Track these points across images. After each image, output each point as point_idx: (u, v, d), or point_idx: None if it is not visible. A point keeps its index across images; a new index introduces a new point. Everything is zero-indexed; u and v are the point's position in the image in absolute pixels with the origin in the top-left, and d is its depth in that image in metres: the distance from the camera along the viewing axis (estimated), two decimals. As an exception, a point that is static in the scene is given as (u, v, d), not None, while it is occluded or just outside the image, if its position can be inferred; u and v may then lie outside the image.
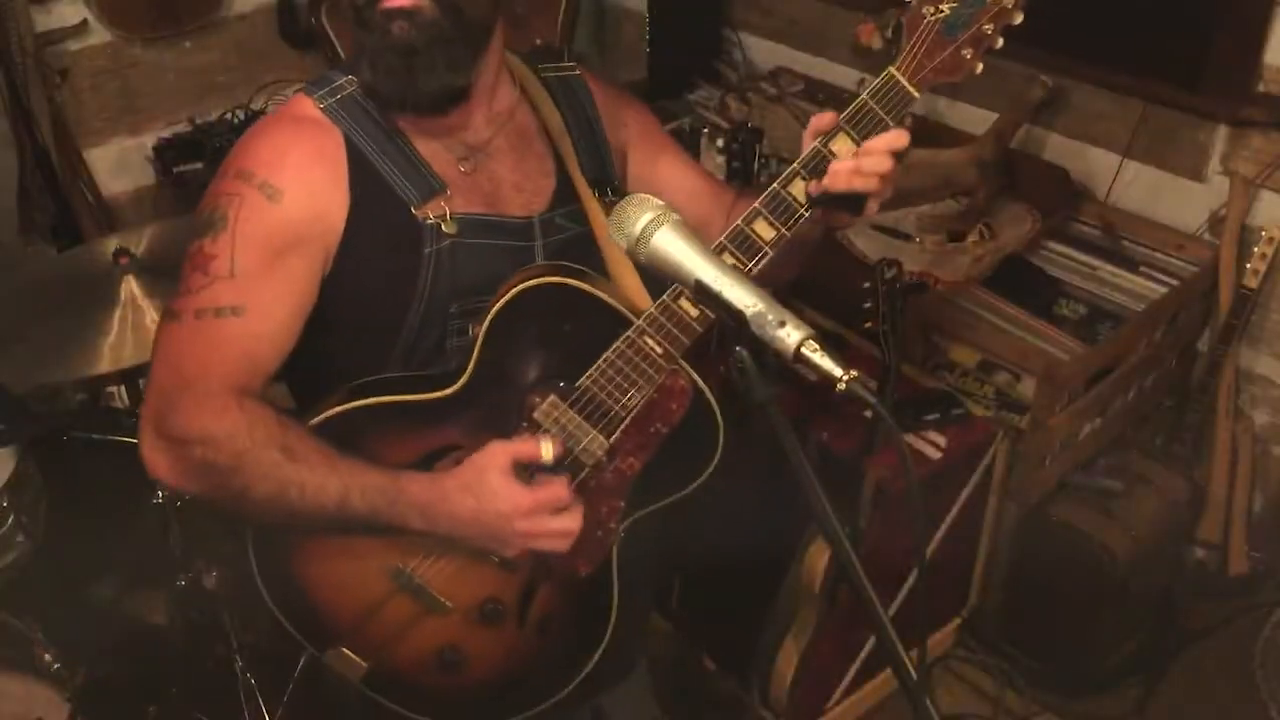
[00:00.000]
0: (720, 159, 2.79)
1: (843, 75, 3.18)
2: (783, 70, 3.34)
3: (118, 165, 3.41)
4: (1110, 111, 2.66)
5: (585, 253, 1.47)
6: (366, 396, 1.36)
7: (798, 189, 1.28)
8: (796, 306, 2.48)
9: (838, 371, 0.89)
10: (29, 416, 2.35)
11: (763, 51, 3.43)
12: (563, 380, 1.35)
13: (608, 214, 1.33)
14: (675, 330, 1.30)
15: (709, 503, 1.47)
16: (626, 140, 1.59)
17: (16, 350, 1.98)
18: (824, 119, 1.31)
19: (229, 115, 3.43)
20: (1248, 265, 2.43)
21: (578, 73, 1.57)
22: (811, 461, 0.93)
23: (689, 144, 2.99)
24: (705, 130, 2.96)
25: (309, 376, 1.43)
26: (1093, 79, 2.65)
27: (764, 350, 0.94)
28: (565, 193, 1.49)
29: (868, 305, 2.21)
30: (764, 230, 1.27)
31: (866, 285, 2.27)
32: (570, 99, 1.54)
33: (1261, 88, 2.41)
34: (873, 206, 1.33)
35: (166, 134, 3.38)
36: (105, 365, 1.94)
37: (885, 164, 1.28)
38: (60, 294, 2.10)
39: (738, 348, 0.94)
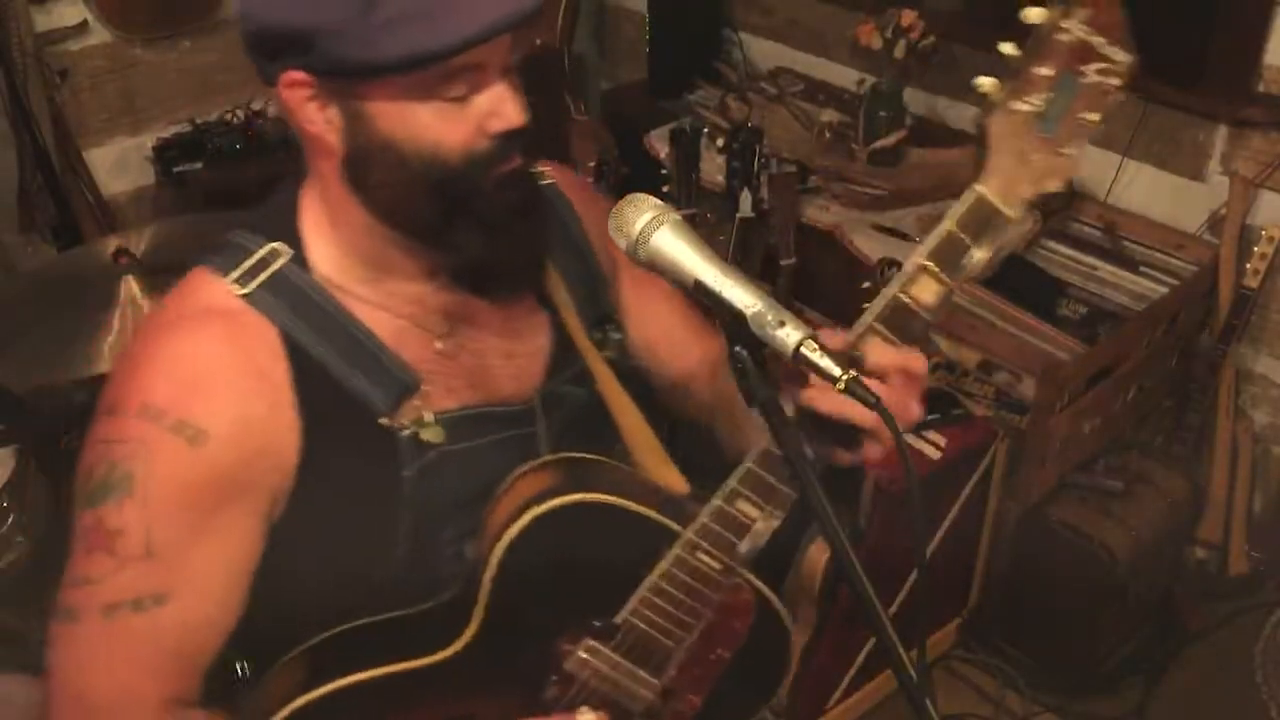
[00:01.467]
0: (720, 159, 2.79)
1: (843, 75, 3.18)
2: (783, 70, 3.34)
3: (118, 165, 3.40)
4: (1110, 111, 2.65)
5: (594, 422, 1.21)
6: (339, 667, 1.04)
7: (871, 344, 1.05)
8: (797, 307, 2.48)
9: (837, 371, 0.89)
10: (29, 416, 2.35)
11: (763, 51, 3.43)
12: (597, 617, 1.08)
13: (609, 360, 1.20)
14: (733, 537, 1.05)
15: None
16: (617, 256, 1.23)
17: (16, 350, 1.98)
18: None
19: (229, 115, 3.43)
20: (1248, 265, 2.43)
21: (549, 180, 1.24)
22: (811, 462, 0.92)
23: (689, 144, 2.99)
24: (705, 130, 2.95)
25: (254, 629, 1.08)
26: (1093, 79, 2.65)
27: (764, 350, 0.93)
28: (563, 350, 1.20)
29: (868, 305, 2.21)
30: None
31: (866, 285, 2.28)
32: (552, 218, 1.22)
33: (1261, 88, 2.41)
34: (873, 450, 1.05)
35: (166, 134, 3.38)
36: (105, 365, 1.94)
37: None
38: (60, 294, 2.09)
39: (738, 348, 0.93)
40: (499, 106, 1.00)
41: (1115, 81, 1.04)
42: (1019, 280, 2.56)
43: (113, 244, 2.12)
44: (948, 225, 1.05)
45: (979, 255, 1.05)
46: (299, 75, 0.99)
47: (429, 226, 1.05)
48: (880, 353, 1.02)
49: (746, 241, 2.61)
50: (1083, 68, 1.03)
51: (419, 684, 1.06)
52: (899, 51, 2.74)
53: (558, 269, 1.20)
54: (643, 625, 1.07)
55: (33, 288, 2.24)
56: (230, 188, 3.23)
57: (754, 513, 1.04)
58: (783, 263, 2.55)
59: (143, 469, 0.98)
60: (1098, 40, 1.03)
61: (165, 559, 0.99)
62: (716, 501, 1.04)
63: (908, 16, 2.73)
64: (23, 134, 2.94)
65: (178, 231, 2.24)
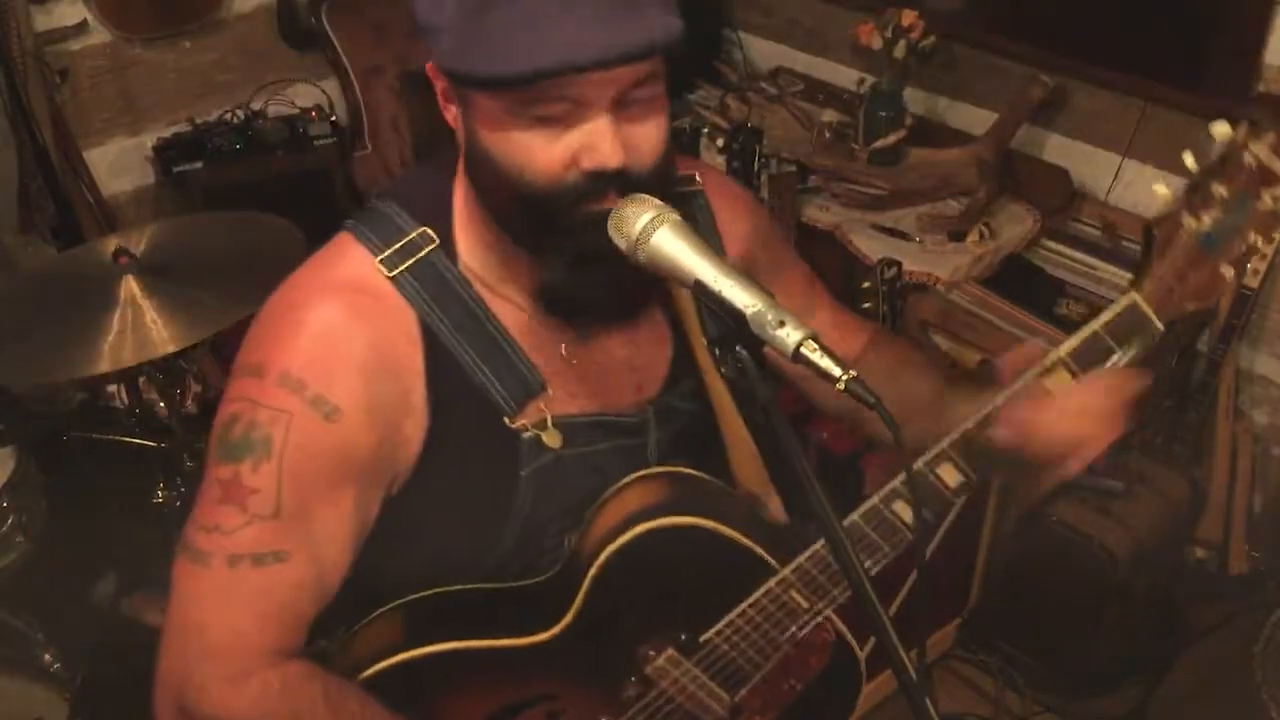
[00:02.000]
0: (720, 159, 2.79)
1: (843, 75, 3.18)
2: (783, 70, 3.34)
3: (118, 165, 3.40)
4: (1110, 111, 2.66)
5: (703, 437, 1.22)
6: (436, 632, 1.10)
7: (948, 472, 1.08)
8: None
9: (837, 371, 0.89)
10: (29, 416, 2.36)
11: (763, 51, 3.43)
12: (683, 631, 1.13)
13: (728, 383, 1.19)
14: (828, 584, 1.11)
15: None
16: (746, 256, 1.26)
17: (16, 350, 1.98)
18: (1030, 350, 1.09)
19: (229, 115, 3.43)
20: (1248, 265, 2.42)
21: (697, 185, 1.24)
22: (811, 461, 0.92)
23: (689, 144, 2.99)
24: (705, 130, 2.96)
25: (360, 597, 1.14)
26: (1093, 79, 2.65)
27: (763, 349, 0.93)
28: (683, 363, 1.21)
29: (868, 305, 2.21)
30: (948, 475, 1.07)
31: (866, 285, 2.28)
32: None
33: (1261, 88, 2.41)
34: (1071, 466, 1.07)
35: (166, 134, 3.38)
36: (105, 365, 1.94)
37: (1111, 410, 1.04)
38: (60, 294, 2.09)
39: (738, 348, 0.93)
40: (594, 142, 0.98)
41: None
42: (1019, 280, 2.56)
43: (113, 244, 2.12)
44: (1095, 326, 1.05)
45: (1119, 360, 1.05)
46: (432, 65, 1.03)
47: (522, 240, 1.06)
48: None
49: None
50: (1262, 191, 1.02)
51: (510, 661, 1.11)
52: (899, 51, 2.75)
53: None
54: (725, 646, 1.13)
55: (33, 288, 2.24)
56: (230, 188, 3.23)
57: None
58: (783, 263, 2.55)
59: (281, 436, 1.03)
60: (1279, 166, 1.02)
61: (289, 521, 1.04)
62: (816, 546, 1.09)
63: (908, 16, 2.73)
64: (23, 134, 2.94)
65: (178, 231, 2.24)
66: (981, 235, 2.62)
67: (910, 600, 2.29)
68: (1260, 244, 1.03)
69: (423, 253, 1.08)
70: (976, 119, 2.86)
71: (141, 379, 2.29)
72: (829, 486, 0.91)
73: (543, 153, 0.99)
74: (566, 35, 0.92)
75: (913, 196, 2.76)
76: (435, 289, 1.08)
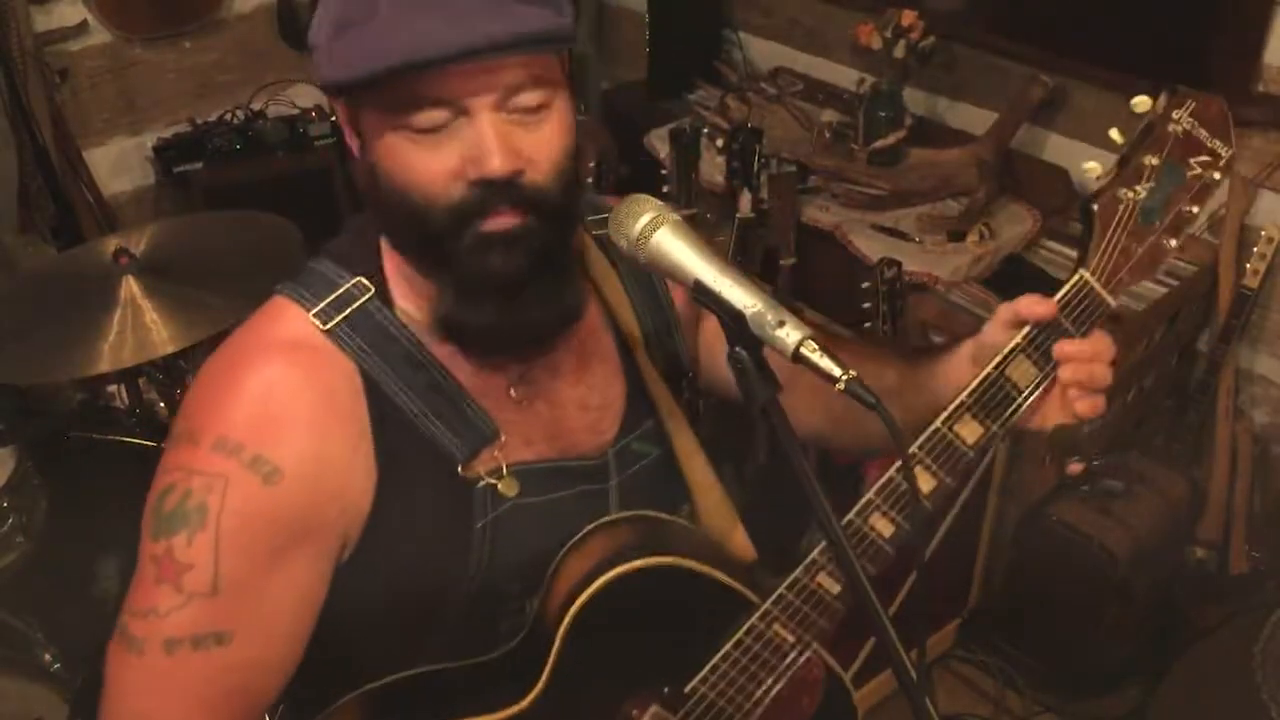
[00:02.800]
0: (720, 159, 2.79)
1: (843, 75, 3.18)
2: (783, 70, 3.34)
3: (118, 165, 3.41)
4: (1110, 111, 2.65)
5: (665, 480, 1.18)
6: (399, 716, 1.05)
7: (968, 430, 1.03)
8: (796, 307, 2.48)
9: (837, 371, 0.88)
10: (29, 416, 2.36)
11: (763, 51, 3.42)
12: (666, 683, 1.07)
13: (687, 417, 1.16)
14: (811, 613, 1.04)
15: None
16: (690, 318, 1.22)
17: (16, 350, 1.98)
18: (995, 332, 1.06)
19: (229, 115, 3.43)
20: (1248, 265, 2.42)
21: None
22: (811, 461, 0.92)
23: (689, 144, 2.99)
24: (705, 130, 2.95)
25: (310, 668, 1.07)
26: (1093, 79, 2.65)
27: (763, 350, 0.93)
28: (639, 404, 1.16)
29: (867, 305, 2.21)
30: (923, 481, 1.04)
31: (866, 285, 2.27)
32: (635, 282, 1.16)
33: (1261, 88, 2.40)
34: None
35: (166, 134, 3.38)
36: (105, 365, 1.94)
37: (1099, 377, 1.05)
38: (60, 294, 2.09)
39: (738, 348, 0.93)
40: (478, 149, 0.93)
41: (1216, 175, 1.05)
42: (1019, 280, 2.56)
43: (113, 244, 2.12)
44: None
45: (1076, 338, 1.05)
46: (331, 98, 1.03)
47: (422, 270, 1.02)
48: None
49: (746, 241, 2.60)
50: (1190, 159, 1.05)
51: None
52: (899, 51, 2.74)
53: (638, 318, 1.16)
54: (712, 695, 1.06)
55: (33, 288, 2.24)
56: (230, 188, 3.23)
57: (835, 587, 1.04)
58: (783, 262, 2.55)
59: (217, 503, 0.97)
60: (1203, 133, 1.05)
61: (231, 598, 0.98)
62: (797, 576, 1.03)
63: (908, 16, 2.73)
64: (23, 134, 2.94)
65: (178, 231, 2.25)
66: (981, 235, 2.62)
67: (910, 600, 2.30)
68: (1196, 211, 1.05)
69: (357, 303, 1.03)
70: (976, 119, 2.86)
71: (141, 379, 2.29)
72: (828, 489, 0.91)
73: (424, 166, 0.94)
74: (415, 32, 0.89)
75: (913, 197, 2.75)
76: (374, 338, 1.03)
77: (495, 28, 0.90)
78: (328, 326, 1.02)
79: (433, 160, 0.94)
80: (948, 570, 2.54)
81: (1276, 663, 2.13)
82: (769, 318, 0.90)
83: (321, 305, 1.03)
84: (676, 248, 0.95)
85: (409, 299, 1.06)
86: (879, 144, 2.79)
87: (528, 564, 1.08)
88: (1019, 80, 2.69)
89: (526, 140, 0.95)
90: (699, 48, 3.44)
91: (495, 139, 0.93)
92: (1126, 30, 2.57)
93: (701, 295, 0.94)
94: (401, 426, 1.02)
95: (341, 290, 1.04)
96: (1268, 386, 2.58)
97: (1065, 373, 1.05)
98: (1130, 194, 1.03)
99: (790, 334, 0.90)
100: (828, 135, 2.93)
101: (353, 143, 1.02)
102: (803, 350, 0.89)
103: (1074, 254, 2.64)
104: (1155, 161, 1.04)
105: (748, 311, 0.91)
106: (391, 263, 1.06)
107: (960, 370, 1.10)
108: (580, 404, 1.13)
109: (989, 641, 2.58)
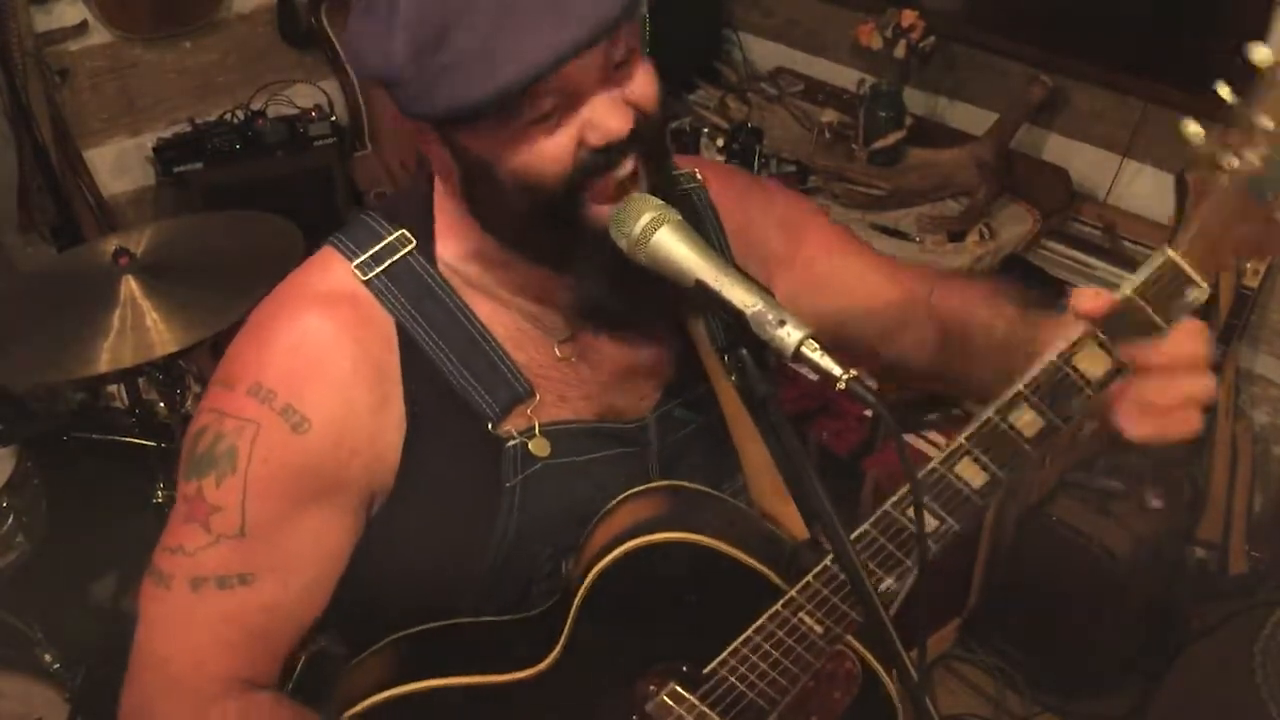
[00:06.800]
0: (720, 159, 2.79)
1: (843, 75, 3.18)
2: (783, 70, 3.34)
3: (118, 165, 3.40)
4: (1110, 111, 2.66)
5: (711, 450, 1.15)
6: (426, 667, 1.04)
7: (1023, 420, 0.92)
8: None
9: (837, 370, 0.88)
10: (29, 416, 2.36)
11: (763, 51, 3.43)
12: (685, 662, 1.04)
13: (740, 391, 1.11)
14: (841, 604, 0.99)
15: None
16: (767, 256, 1.20)
17: (16, 350, 1.98)
18: (1077, 320, 0.91)
19: (229, 115, 3.43)
20: (1248, 265, 2.42)
21: (697, 184, 1.20)
22: (812, 461, 0.92)
23: (689, 144, 2.99)
24: (705, 130, 2.96)
25: (351, 614, 1.10)
26: (1093, 79, 2.65)
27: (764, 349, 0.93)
28: (687, 371, 1.14)
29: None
30: (971, 474, 0.95)
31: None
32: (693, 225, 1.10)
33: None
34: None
35: (166, 134, 3.38)
36: (105, 365, 1.94)
37: (1200, 386, 0.90)
38: (60, 294, 2.09)
39: (739, 348, 0.93)
40: (598, 119, 0.93)
41: None
42: (1019, 280, 2.56)
43: (113, 244, 2.12)
44: (1126, 290, 0.89)
45: (1161, 327, 0.89)
46: (396, 116, 0.97)
47: (542, 257, 1.02)
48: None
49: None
50: None
51: (499, 698, 1.04)
52: (899, 51, 2.75)
53: None
54: (733, 679, 1.02)
55: (33, 288, 2.24)
56: (230, 188, 3.23)
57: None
58: (783, 263, 2.55)
59: (247, 448, 0.98)
60: None
61: (256, 541, 1.00)
62: (825, 561, 0.99)
63: (908, 16, 2.73)
64: (23, 134, 2.94)
65: (178, 231, 2.25)
66: (981, 235, 2.62)
67: (910, 600, 2.30)
68: None
69: (399, 255, 1.04)
70: (976, 119, 2.86)
71: (141, 379, 2.29)
72: (830, 487, 0.91)
73: (549, 145, 0.94)
74: (524, 44, 0.87)
75: (912, 197, 2.75)
76: (413, 291, 1.03)
77: (601, 10, 0.89)
78: (367, 277, 1.03)
79: (557, 138, 0.94)
80: (948, 570, 2.54)
81: (1276, 662, 2.13)
82: (770, 317, 0.90)
83: (364, 257, 1.04)
84: (677, 248, 0.95)
85: (457, 254, 1.06)
86: (879, 144, 2.80)
87: (559, 526, 1.07)
88: (1019, 80, 2.69)
89: (632, 90, 0.96)
90: (699, 48, 3.44)
91: (612, 106, 0.94)
92: (1126, 30, 2.57)
93: (702, 295, 0.94)
94: (434, 381, 1.03)
95: (384, 242, 1.05)
96: (1267, 386, 2.58)
97: (1147, 390, 0.91)
98: (1239, 164, 0.85)
99: (791, 333, 0.90)
100: (828, 135, 2.93)
101: (435, 152, 1.00)
102: (804, 350, 0.89)
103: (1074, 254, 2.65)
104: (1273, 125, 0.84)
105: (748, 311, 0.91)
106: (445, 218, 1.07)
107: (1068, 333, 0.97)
108: (626, 366, 1.12)
109: (989, 641, 2.59)
